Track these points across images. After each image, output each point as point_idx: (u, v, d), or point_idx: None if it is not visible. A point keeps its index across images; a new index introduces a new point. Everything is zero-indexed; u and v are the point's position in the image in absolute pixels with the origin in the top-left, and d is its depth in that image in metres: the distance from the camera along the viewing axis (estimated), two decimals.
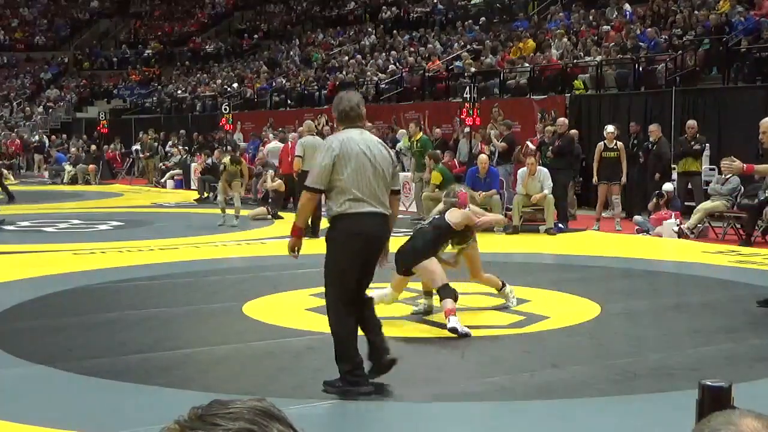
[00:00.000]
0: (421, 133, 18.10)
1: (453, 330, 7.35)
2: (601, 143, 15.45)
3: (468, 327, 7.69)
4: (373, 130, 22.72)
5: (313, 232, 14.05)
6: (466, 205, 8.28)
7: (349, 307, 5.75)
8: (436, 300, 8.10)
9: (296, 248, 5.94)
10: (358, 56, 30.47)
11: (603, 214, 15.64)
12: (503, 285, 8.58)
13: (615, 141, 15.30)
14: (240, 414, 1.20)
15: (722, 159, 8.31)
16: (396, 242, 6.84)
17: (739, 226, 14.00)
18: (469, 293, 9.43)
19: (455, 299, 7.60)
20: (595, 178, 15.51)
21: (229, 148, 20.46)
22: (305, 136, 15.25)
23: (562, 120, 16.48)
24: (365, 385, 5.68)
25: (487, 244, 13.95)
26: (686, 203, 15.39)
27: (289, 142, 20.73)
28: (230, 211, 16.26)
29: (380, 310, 8.56)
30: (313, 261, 11.83)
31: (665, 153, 15.99)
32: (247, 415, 1.20)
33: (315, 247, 13.41)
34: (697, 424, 1.32)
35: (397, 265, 7.84)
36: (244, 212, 16.77)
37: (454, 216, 8.06)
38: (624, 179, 15.19)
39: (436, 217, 8.30)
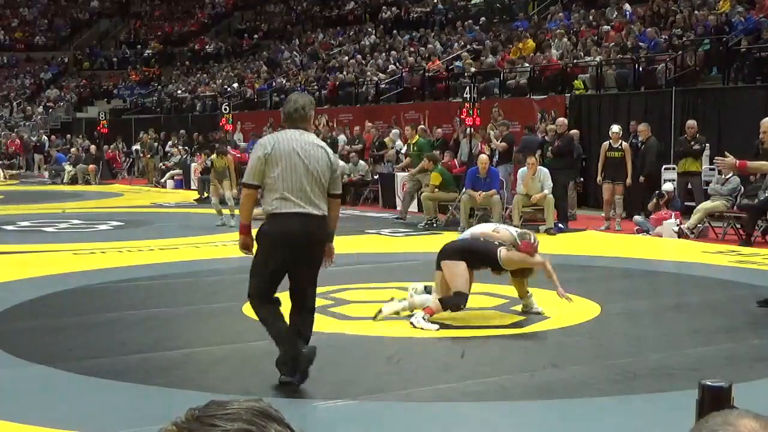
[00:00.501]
0: (418, 136, 18.00)
1: (411, 324, 7.60)
2: (606, 143, 15.46)
3: (468, 327, 7.71)
4: (372, 130, 22.80)
5: None
6: (529, 254, 7.83)
7: (263, 300, 5.84)
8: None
9: (247, 246, 5.99)
10: (358, 56, 30.47)
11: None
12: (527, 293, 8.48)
13: (620, 141, 15.31)
14: (238, 415, 1.20)
15: (716, 157, 8.35)
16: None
17: (739, 226, 13.99)
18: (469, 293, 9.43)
19: (447, 309, 7.66)
20: (599, 178, 15.53)
21: (228, 147, 20.46)
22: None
23: (562, 120, 16.48)
24: (282, 375, 5.77)
25: None
26: (686, 203, 15.39)
27: None
28: (226, 211, 16.23)
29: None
30: None
31: (651, 154, 15.96)
32: (245, 415, 1.20)
33: None
34: (695, 425, 1.33)
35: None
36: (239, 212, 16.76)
37: (509, 256, 7.80)
38: (629, 180, 15.19)
39: (495, 242, 7.98)
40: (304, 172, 5.64)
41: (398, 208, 19.30)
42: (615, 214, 15.47)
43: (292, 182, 5.62)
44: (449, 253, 7.90)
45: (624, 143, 15.36)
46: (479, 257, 7.93)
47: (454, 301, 7.66)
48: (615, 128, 15.52)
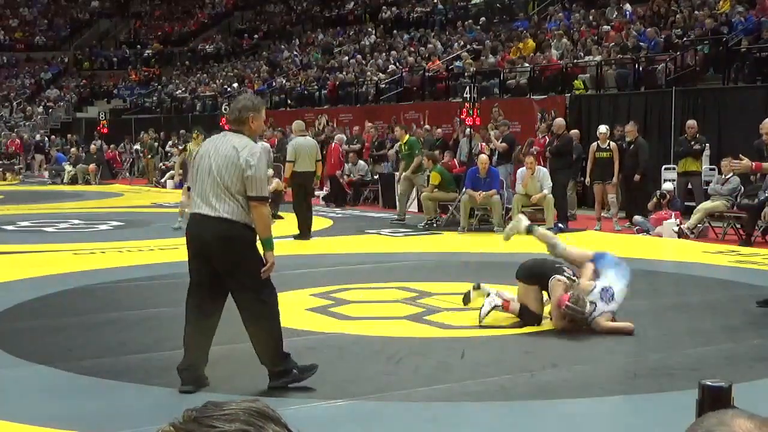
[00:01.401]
0: (408, 136, 17.82)
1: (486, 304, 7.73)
2: (595, 144, 15.52)
3: (468, 327, 7.73)
4: (372, 130, 22.77)
5: (303, 234, 14.03)
6: (558, 306, 7.53)
7: (190, 303, 5.85)
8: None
9: None
10: (358, 56, 30.47)
11: (603, 214, 15.65)
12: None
13: (608, 141, 15.36)
14: (236, 415, 1.20)
15: (723, 159, 8.36)
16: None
17: (739, 226, 13.99)
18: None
19: (521, 319, 7.68)
20: (587, 179, 15.61)
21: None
22: (296, 137, 14.94)
23: (559, 120, 16.49)
24: (182, 385, 5.81)
25: (487, 244, 13.96)
26: (686, 203, 15.39)
27: (333, 143, 21.05)
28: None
29: (382, 310, 8.57)
30: (312, 261, 11.84)
31: (644, 152, 15.95)
32: (242, 416, 1.20)
33: (314, 247, 13.45)
34: (691, 425, 1.32)
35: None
36: None
37: (553, 286, 7.60)
38: (615, 179, 15.25)
39: (561, 267, 7.80)
40: (206, 173, 5.65)
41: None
42: (612, 213, 15.48)
43: (198, 184, 5.72)
44: (526, 272, 7.86)
45: (612, 143, 15.39)
46: (542, 278, 7.78)
47: (528, 318, 7.67)
48: (602, 128, 15.59)
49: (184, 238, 5.90)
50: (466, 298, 8.27)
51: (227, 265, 5.65)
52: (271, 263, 5.68)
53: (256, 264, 5.67)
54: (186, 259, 5.87)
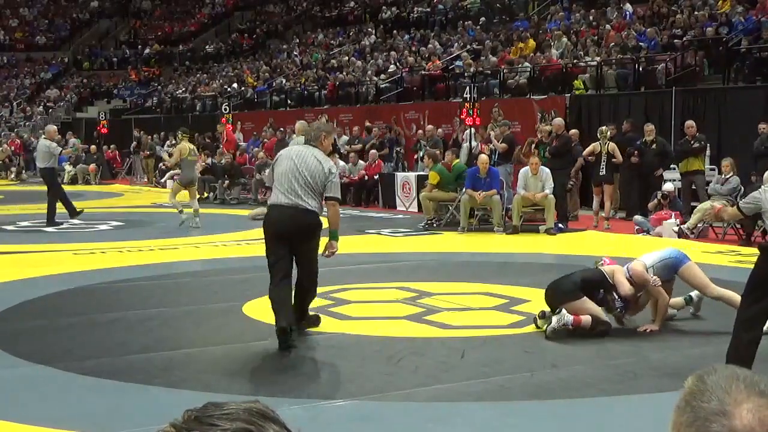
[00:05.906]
0: (433, 162, 17.69)
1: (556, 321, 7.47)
2: (597, 144, 15.55)
3: (468, 327, 7.72)
4: (374, 130, 22.78)
5: None
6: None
7: (272, 279, 7.04)
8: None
9: None
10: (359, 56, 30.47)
11: (601, 214, 15.64)
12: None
13: (607, 141, 15.40)
14: (237, 414, 1.20)
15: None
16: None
17: (739, 226, 13.98)
18: (469, 293, 9.43)
19: (593, 330, 7.46)
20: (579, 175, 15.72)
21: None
22: (299, 136, 14.83)
23: (558, 120, 16.48)
24: (283, 345, 6.85)
25: (487, 244, 13.97)
26: (692, 203, 15.36)
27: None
28: (188, 210, 16.07)
29: (382, 310, 8.57)
30: None
31: (669, 152, 15.93)
32: (243, 415, 1.20)
33: None
34: (688, 396, 1.22)
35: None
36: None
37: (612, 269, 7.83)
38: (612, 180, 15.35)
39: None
40: (294, 174, 7.12)
41: (398, 208, 19.30)
42: (601, 214, 15.46)
43: (283, 180, 7.15)
44: (567, 293, 7.61)
45: (611, 143, 15.40)
46: (593, 285, 7.72)
47: (601, 327, 7.49)
48: (604, 129, 15.63)
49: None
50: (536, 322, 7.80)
51: (305, 244, 7.14)
52: (335, 249, 7.44)
53: (318, 246, 7.29)
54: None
